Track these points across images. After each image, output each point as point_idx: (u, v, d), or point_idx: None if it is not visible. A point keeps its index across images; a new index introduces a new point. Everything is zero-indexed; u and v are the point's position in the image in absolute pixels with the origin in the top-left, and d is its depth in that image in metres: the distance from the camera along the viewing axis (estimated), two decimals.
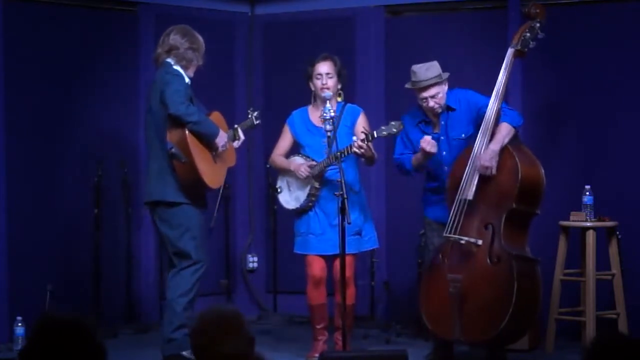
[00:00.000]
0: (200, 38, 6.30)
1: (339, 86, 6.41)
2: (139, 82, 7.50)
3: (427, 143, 6.02)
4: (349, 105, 6.47)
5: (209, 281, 7.13)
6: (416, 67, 6.12)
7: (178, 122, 6.07)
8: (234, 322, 3.15)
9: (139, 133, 7.47)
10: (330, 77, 6.36)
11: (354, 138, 6.13)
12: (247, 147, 7.94)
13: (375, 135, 6.07)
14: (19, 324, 6.27)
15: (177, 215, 6.18)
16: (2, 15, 6.86)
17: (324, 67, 6.37)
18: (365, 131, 6.10)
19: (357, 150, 6.07)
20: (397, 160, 6.31)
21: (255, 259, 8.11)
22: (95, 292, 7.19)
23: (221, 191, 6.72)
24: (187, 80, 6.17)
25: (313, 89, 6.42)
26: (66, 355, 2.78)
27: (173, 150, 6.08)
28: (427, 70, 6.09)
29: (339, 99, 6.41)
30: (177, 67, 6.19)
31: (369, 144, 6.08)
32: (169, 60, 6.21)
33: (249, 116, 6.62)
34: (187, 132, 6.08)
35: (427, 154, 6.06)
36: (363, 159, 6.28)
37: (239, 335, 3.12)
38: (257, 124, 6.64)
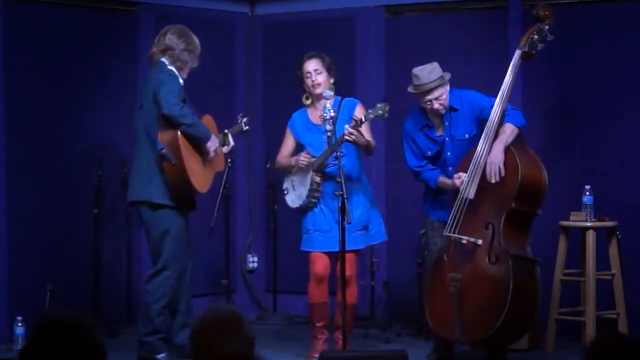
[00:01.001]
0: (197, 40, 6.27)
1: (332, 81, 6.40)
2: (138, 82, 7.48)
3: (462, 183, 6.00)
4: (346, 98, 6.46)
5: (209, 281, 7.15)
6: (417, 71, 6.10)
7: (170, 123, 6.03)
8: (234, 322, 3.15)
9: None
10: (319, 73, 6.35)
11: (346, 126, 6.10)
12: (248, 147, 7.95)
13: (364, 120, 6.05)
14: (19, 324, 6.28)
15: (160, 217, 6.16)
16: (2, 15, 6.86)
17: (310, 65, 6.37)
18: (354, 118, 6.10)
19: (348, 138, 6.05)
20: (416, 171, 6.27)
21: (255, 259, 8.11)
22: (95, 292, 7.19)
23: (221, 191, 6.71)
24: (180, 81, 6.15)
25: (307, 89, 6.41)
26: (66, 355, 2.78)
27: (164, 151, 6.04)
28: (430, 72, 6.07)
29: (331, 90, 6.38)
30: (171, 68, 6.17)
31: (362, 131, 6.06)
32: (163, 59, 6.19)
33: (239, 122, 6.58)
34: (179, 133, 6.05)
35: (458, 189, 6.06)
36: (361, 149, 6.26)
37: (239, 336, 3.12)
38: (246, 129, 6.61)
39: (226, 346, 3.06)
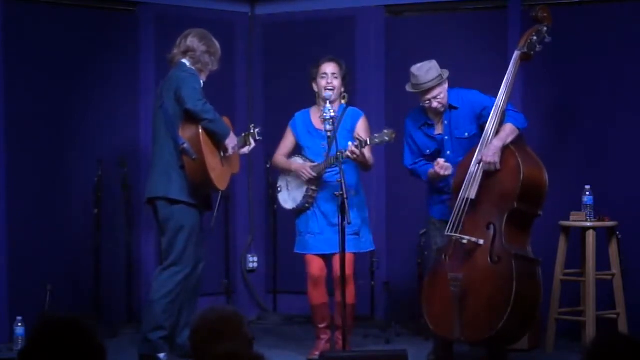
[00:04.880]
0: (217, 43, 6.39)
1: (342, 89, 6.44)
2: (138, 82, 7.50)
3: (441, 167, 6.02)
4: (350, 108, 6.49)
5: (209, 281, 7.15)
6: (415, 70, 6.10)
7: (192, 119, 6.14)
8: (233, 322, 3.15)
9: (139, 133, 7.47)
10: (336, 78, 6.39)
11: (349, 143, 6.14)
12: None
13: (369, 143, 6.09)
14: (19, 324, 6.27)
15: (176, 213, 6.22)
16: (2, 15, 6.86)
17: (329, 67, 6.40)
18: (359, 138, 6.13)
19: (349, 156, 6.09)
20: (411, 169, 6.30)
21: (255, 259, 8.11)
22: (95, 292, 7.19)
23: (221, 191, 6.72)
24: (201, 82, 6.24)
25: (316, 89, 6.43)
26: (66, 355, 2.78)
27: (185, 145, 6.14)
28: (427, 72, 6.07)
29: (343, 101, 6.44)
30: (192, 68, 6.25)
31: (363, 150, 6.10)
32: (184, 61, 6.30)
33: (251, 130, 6.61)
34: (200, 129, 6.14)
35: (442, 176, 6.06)
36: (359, 166, 6.33)
37: (239, 335, 3.13)
38: (259, 139, 6.65)
39: (225, 345, 3.06)
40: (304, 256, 6.47)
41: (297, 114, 6.57)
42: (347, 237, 6.17)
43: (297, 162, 6.47)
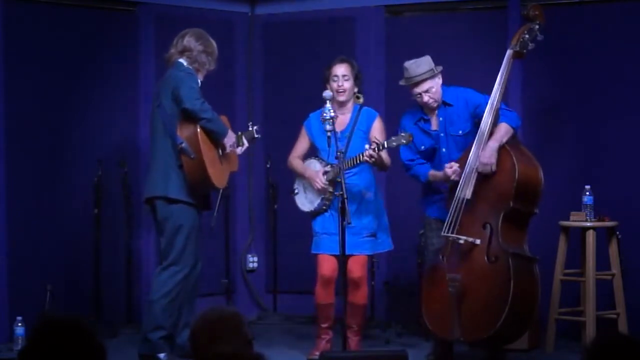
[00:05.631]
0: (214, 43, 6.40)
1: (356, 89, 6.43)
2: (138, 82, 7.49)
3: (454, 172, 6.02)
4: (365, 108, 6.48)
5: (209, 281, 7.15)
6: (408, 64, 6.15)
7: (190, 119, 6.15)
8: (234, 322, 3.15)
9: (139, 133, 7.47)
10: (347, 79, 6.39)
11: (366, 146, 6.16)
12: (248, 147, 7.93)
13: (386, 146, 6.10)
14: (19, 324, 6.28)
15: (175, 212, 6.23)
16: (2, 15, 6.86)
17: (340, 69, 6.40)
18: (376, 141, 6.14)
19: (367, 159, 6.11)
20: (408, 166, 6.29)
21: (255, 259, 8.11)
22: (95, 292, 7.19)
23: (221, 191, 6.72)
24: (198, 81, 6.25)
25: (331, 92, 6.40)
26: (66, 355, 2.78)
27: (183, 145, 6.15)
28: (419, 66, 6.11)
29: (358, 102, 6.45)
30: (189, 67, 6.26)
31: (380, 152, 6.11)
32: (181, 60, 6.31)
33: (249, 128, 6.63)
34: (198, 129, 6.15)
35: (449, 179, 6.06)
36: (377, 167, 6.33)
37: (238, 335, 3.13)
38: (257, 137, 6.65)
39: (224, 345, 3.06)
40: (317, 256, 6.44)
41: (312, 115, 6.55)
42: (362, 239, 6.22)
43: (313, 165, 6.46)
